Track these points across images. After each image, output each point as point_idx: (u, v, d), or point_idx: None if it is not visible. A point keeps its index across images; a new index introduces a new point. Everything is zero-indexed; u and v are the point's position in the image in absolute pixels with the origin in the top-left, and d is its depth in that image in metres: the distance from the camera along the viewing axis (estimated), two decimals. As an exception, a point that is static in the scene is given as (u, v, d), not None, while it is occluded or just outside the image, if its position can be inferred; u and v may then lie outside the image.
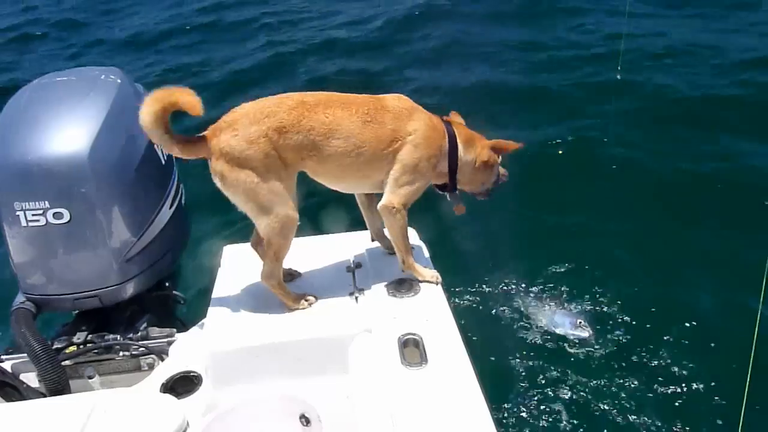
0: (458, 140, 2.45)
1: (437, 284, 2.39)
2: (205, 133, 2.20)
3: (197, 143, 2.18)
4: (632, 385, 3.52)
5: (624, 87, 6.52)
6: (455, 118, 2.57)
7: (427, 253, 2.60)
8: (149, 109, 2.05)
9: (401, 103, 2.39)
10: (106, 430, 1.88)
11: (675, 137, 6.07)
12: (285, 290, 2.36)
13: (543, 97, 7.27)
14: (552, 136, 6.24)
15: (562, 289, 4.30)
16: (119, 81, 2.70)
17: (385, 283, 2.39)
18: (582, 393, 3.50)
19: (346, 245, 2.67)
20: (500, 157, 2.55)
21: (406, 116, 2.34)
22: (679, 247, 4.65)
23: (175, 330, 2.64)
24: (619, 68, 5.76)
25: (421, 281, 2.40)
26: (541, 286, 4.33)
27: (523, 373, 3.63)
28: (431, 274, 2.43)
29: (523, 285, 4.35)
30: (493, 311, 4.14)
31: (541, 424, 3.31)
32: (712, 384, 3.47)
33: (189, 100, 2.07)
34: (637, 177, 5.56)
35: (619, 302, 4.13)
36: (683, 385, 3.50)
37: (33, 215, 2.38)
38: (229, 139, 2.15)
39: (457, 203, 2.58)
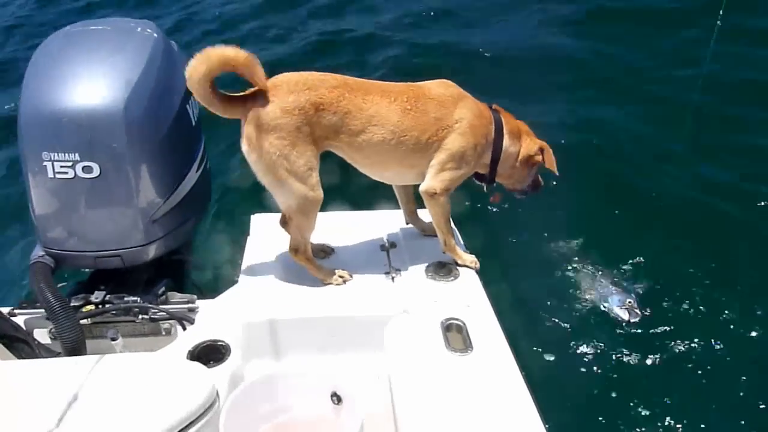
0: (504, 130, 2.40)
1: (475, 269, 2.35)
2: (244, 92, 2.13)
3: (235, 102, 2.12)
4: (675, 378, 3.40)
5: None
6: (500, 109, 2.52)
7: (461, 239, 2.55)
8: (201, 65, 1.97)
9: (447, 90, 2.34)
10: (134, 395, 1.81)
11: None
12: (315, 265, 2.31)
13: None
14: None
15: (620, 267, 4.10)
16: (155, 35, 2.60)
17: (423, 265, 2.35)
18: (623, 376, 3.39)
19: (379, 223, 2.61)
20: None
21: (451, 104, 2.29)
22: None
23: (195, 297, 2.57)
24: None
25: (460, 265, 2.36)
26: (597, 263, 4.14)
27: (562, 350, 3.54)
28: (471, 258, 2.40)
29: (576, 258, 4.19)
30: (537, 283, 4.00)
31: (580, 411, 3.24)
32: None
33: (253, 64, 2.02)
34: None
35: (679, 294, 3.90)
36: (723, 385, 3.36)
37: (61, 167, 2.28)
38: (265, 103, 2.08)
39: (493, 192, 2.54)
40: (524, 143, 2.44)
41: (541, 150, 2.46)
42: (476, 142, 2.31)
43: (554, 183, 4.09)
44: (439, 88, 2.34)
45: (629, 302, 3.74)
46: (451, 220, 2.43)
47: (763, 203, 4.58)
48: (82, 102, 2.30)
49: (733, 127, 5.48)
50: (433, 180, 2.30)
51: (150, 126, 2.42)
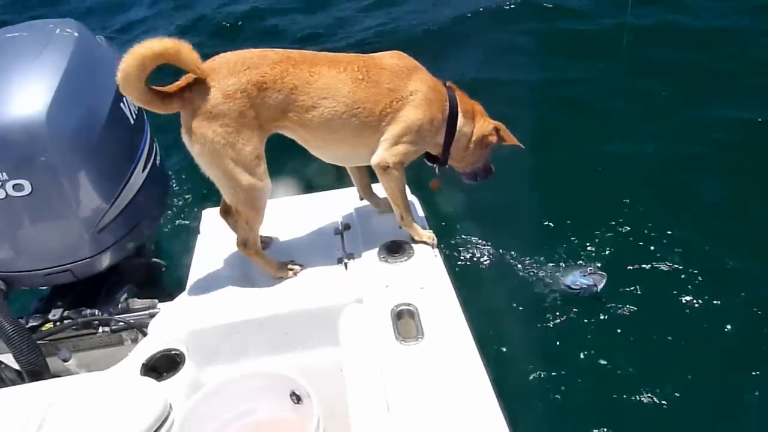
0: (459, 108, 2.25)
1: (433, 246, 2.23)
2: (178, 82, 1.97)
3: (172, 95, 1.95)
4: (645, 346, 3.31)
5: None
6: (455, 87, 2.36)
7: (421, 212, 2.42)
8: (130, 68, 1.81)
9: (400, 60, 2.18)
10: (85, 418, 1.76)
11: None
12: (265, 258, 2.20)
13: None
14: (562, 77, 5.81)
15: (573, 247, 3.94)
16: (76, 34, 2.47)
17: (376, 246, 2.23)
18: (591, 353, 3.30)
19: (334, 204, 2.49)
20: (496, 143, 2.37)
21: (405, 75, 2.14)
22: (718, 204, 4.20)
23: (157, 301, 2.51)
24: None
25: (416, 241, 2.24)
26: (550, 246, 3.97)
27: (528, 336, 3.44)
28: (428, 234, 2.27)
29: (528, 246, 3.99)
30: (495, 270, 3.84)
31: (548, 397, 3.15)
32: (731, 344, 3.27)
33: (182, 52, 1.85)
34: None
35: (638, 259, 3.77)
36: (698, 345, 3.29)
37: (-9, 188, 2.19)
38: (203, 90, 1.94)
39: (437, 177, 2.42)
40: (478, 123, 2.30)
41: (497, 130, 2.34)
42: (432, 116, 2.17)
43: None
44: (392, 58, 2.18)
45: (590, 270, 3.57)
46: (408, 193, 2.30)
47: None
48: (2, 116, 2.18)
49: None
50: (385, 152, 2.16)
51: (79, 132, 2.31)
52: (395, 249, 2.20)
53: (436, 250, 2.22)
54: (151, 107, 1.95)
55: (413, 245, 2.22)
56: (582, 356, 3.29)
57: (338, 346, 2.01)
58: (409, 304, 1.93)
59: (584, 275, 3.57)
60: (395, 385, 1.68)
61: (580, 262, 3.78)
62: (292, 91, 2.01)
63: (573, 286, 3.57)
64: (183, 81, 1.97)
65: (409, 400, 1.64)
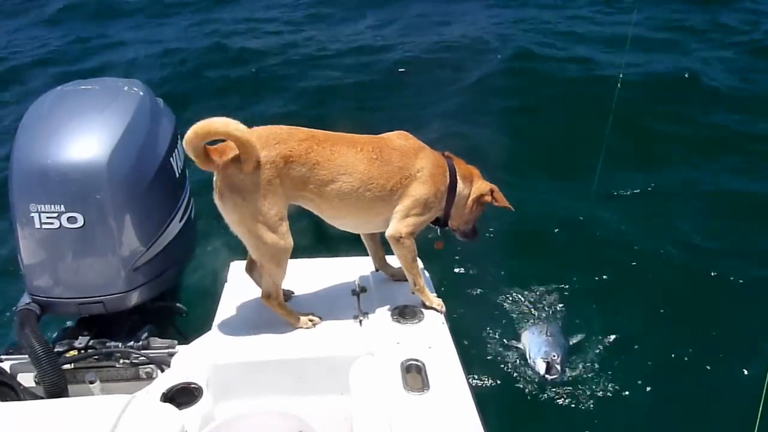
0: (458, 175, 2.55)
1: (441, 312, 2.44)
2: (216, 147, 2.24)
3: (211, 156, 2.22)
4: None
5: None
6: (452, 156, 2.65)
7: (431, 282, 2.64)
8: (197, 138, 2.12)
9: (407, 142, 2.48)
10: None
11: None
12: (286, 310, 2.39)
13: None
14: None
15: (564, 315, 4.00)
16: (141, 93, 2.77)
17: (390, 308, 2.43)
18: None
19: (352, 269, 2.71)
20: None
21: (413, 154, 2.44)
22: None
23: (176, 342, 2.66)
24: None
25: (427, 306, 2.45)
26: (532, 305, 4.09)
27: (510, 399, 3.51)
28: (438, 302, 2.49)
29: (515, 302, 4.13)
30: (486, 329, 3.90)
31: None
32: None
33: (237, 135, 2.13)
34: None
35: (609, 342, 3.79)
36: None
37: (47, 218, 2.41)
38: (238, 158, 2.19)
39: (440, 238, 2.68)
40: (475, 184, 2.59)
41: (491, 191, 2.59)
42: (437, 189, 2.45)
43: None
44: (399, 139, 2.48)
45: (553, 357, 3.47)
46: (419, 261, 2.52)
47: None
48: (67, 156, 2.44)
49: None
50: (398, 224, 2.41)
51: (133, 178, 2.55)
52: (407, 312, 2.40)
53: (443, 317, 2.41)
54: (199, 162, 2.21)
55: (423, 310, 2.42)
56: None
57: (347, 394, 2.16)
58: (417, 360, 2.11)
59: (544, 358, 3.47)
60: (401, 429, 1.83)
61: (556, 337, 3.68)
62: (314, 165, 2.27)
63: (531, 357, 3.55)
64: (222, 146, 2.23)
65: None
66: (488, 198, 2.59)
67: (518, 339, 3.78)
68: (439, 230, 2.65)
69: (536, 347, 3.56)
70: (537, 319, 3.97)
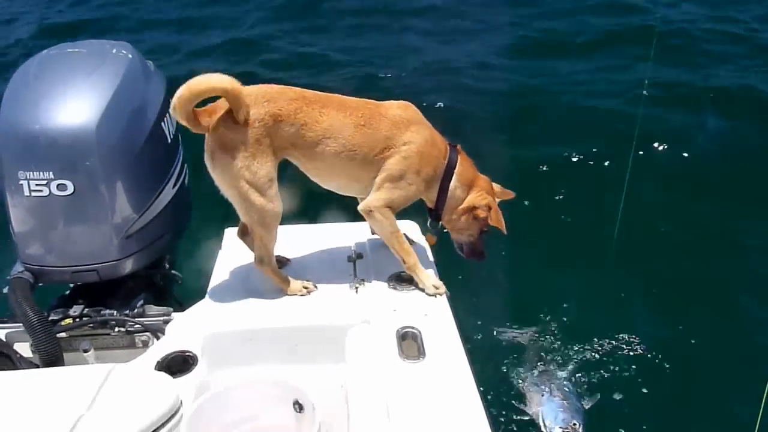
0: (456, 171, 2.40)
1: (436, 296, 2.30)
2: (205, 108, 2.19)
3: (202, 119, 2.17)
4: None
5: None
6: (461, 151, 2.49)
7: (431, 256, 2.56)
8: (182, 100, 2.05)
9: (404, 112, 2.37)
10: (99, 404, 1.87)
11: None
12: (280, 276, 2.36)
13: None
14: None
15: (569, 369, 3.57)
16: (130, 56, 2.69)
17: (386, 274, 2.39)
18: None
19: (348, 235, 2.66)
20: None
21: (404, 125, 2.32)
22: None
23: (171, 309, 2.64)
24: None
25: (420, 288, 2.33)
26: (545, 359, 3.62)
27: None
28: (433, 283, 2.33)
29: (525, 351, 3.69)
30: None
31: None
32: None
33: (230, 89, 2.07)
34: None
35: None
36: None
37: (36, 185, 2.36)
38: (228, 118, 2.15)
39: (432, 233, 2.56)
40: (473, 193, 2.42)
41: (488, 207, 2.41)
42: (419, 168, 2.32)
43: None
44: (398, 109, 2.37)
45: (574, 425, 3.13)
46: (417, 235, 2.45)
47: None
48: (55, 122, 2.38)
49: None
50: (370, 197, 2.33)
51: (123, 144, 2.49)
52: (404, 279, 2.36)
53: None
54: (188, 125, 2.16)
55: None
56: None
57: (342, 363, 2.14)
58: (413, 327, 2.08)
59: (564, 427, 3.13)
60: (397, 397, 1.81)
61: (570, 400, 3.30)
62: (302, 126, 2.22)
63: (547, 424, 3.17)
64: (212, 107, 2.18)
65: (409, 411, 1.77)
66: (483, 213, 2.40)
67: (524, 402, 3.38)
68: (429, 223, 2.52)
69: (552, 414, 3.20)
70: (544, 372, 3.53)
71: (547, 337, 3.80)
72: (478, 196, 2.42)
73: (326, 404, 1.95)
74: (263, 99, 2.18)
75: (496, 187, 2.52)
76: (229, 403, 2.03)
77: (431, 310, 2.19)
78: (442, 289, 2.33)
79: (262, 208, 2.22)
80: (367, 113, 2.29)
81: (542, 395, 3.31)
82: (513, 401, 3.38)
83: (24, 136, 2.37)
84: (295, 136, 2.21)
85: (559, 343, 3.75)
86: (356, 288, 2.34)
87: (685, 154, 5.65)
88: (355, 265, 2.48)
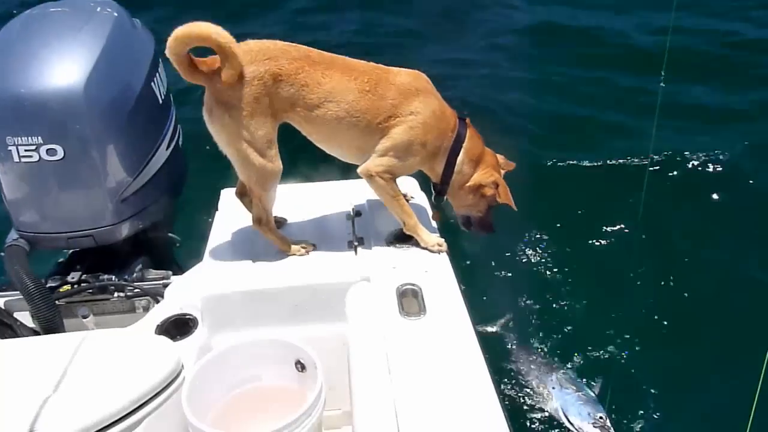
0: (464, 146, 2.30)
1: (438, 253, 2.27)
2: (206, 59, 2.10)
3: (200, 69, 2.09)
4: None
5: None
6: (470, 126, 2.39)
7: (430, 211, 2.51)
8: (174, 44, 1.98)
9: (414, 81, 2.26)
10: (100, 370, 1.87)
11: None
12: (278, 236, 2.32)
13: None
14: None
15: (584, 363, 3.48)
16: (115, 14, 2.60)
17: (386, 232, 2.35)
18: None
19: (346, 193, 2.62)
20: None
21: (412, 95, 2.22)
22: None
23: (170, 273, 2.63)
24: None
25: (422, 247, 2.29)
26: (559, 356, 3.50)
27: None
28: (434, 241, 2.30)
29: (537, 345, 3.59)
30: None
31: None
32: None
33: (221, 41, 1.99)
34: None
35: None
36: None
37: (26, 151, 2.31)
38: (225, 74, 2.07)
39: (436, 208, 2.48)
40: (480, 170, 2.33)
41: (495, 184, 2.33)
42: (425, 140, 2.24)
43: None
44: (407, 77, 2.26)
45: (600, 418, 3.08)
46: (417, 190, 2.39)
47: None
48: (42, 85, 2.31)
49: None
50: (371, 161, 2.25)
51: (113, 106, 2.43)
52: (403, 236, 2.32)
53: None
54: (182, 72, 2.07)
55: None
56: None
57: (344, 321, 2.13)
58: (413, 284, 2.05)
59: (592, 423, 3.07)
60: (398, 354, 1.80)
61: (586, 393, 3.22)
62: (303, 87, 2.13)
63: (573, 422, 3.10)
64: (211, 59, 2.09)
65: (410, 368, 1.76)
66: (490, 191, 2.33)
67: (536, 398, 3.29)
68: (432, 198, 2.44)
69: (573, 408, 3.14)
70: (546, 365, 3.46)
71: (543, 330, 3.73)
72: (485, 173, 2.34)
73: (328, 363, 1.94)
74: (264, 56, 2.10)
75: (500, 158, 2.44)
76: (230, 364, 2.03)
77: (431, 267, 2.16)
78: (445, 246, 2.30)
79: (261, 167, 2.16)
80: (373, 78, 2.20)
81: (553, 388, 3.27)
82: (524, 398, 3.31)
83: (10, 100, 2.30)
84: (295, 97, 2.13)
85: (556, 335, 3.69)
86: (355, 246, 2.31)
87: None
88: (353, 223, 2.44)
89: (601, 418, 3.06)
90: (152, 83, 2.64)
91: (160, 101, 2.71)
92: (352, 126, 2.19)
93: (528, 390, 3.33)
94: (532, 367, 3.43)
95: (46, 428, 1.60)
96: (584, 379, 3.35)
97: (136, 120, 2.53)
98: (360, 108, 2.17)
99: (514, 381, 3.39)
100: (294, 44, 2.21)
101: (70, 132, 2.33)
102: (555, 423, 3.17)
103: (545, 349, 3.58)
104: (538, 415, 3.19)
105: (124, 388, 1.76)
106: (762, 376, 1.94)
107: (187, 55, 2.03)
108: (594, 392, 3.25)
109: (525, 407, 3.27)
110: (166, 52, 2.00)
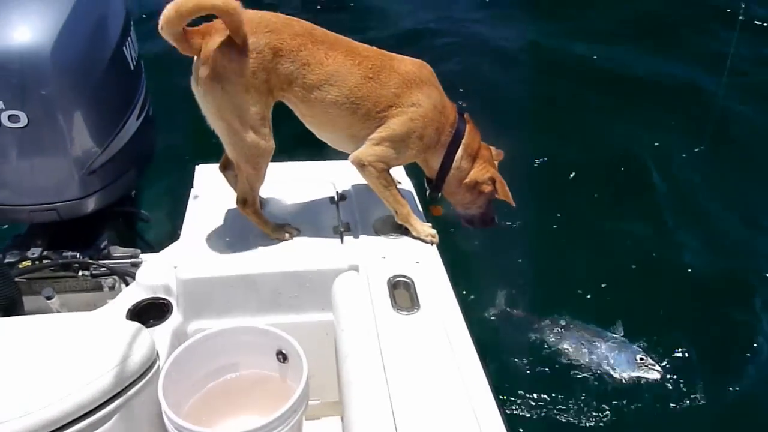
0: (463, 141, 2.23)
1: (431, 243, 2.20)
2: (198, 28, 1.94)
3: (192, 39, 1.93)
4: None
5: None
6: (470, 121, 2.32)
7: (418, 200, 2.43)
8: (170, 21, 1.81)
9: (418, 71, 2.16)
10: (68, 358, 1.74)
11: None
12: (262, 219, 2.21)
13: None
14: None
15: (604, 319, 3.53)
16: (87, -28, 2.41)
17: (372, 218, 2.26)
18: None
19: (328, 174, 2.50)
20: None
21: (415, 85, 2.12)
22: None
23: (139, 251, 2.49)
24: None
25: (414, 237, 2.21)
26: (573, 315, 3.54)
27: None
28: (427, 231, 2.22)
29: (554, 313, 3.59)
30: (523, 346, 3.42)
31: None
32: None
33: (222, 6, 1.83)
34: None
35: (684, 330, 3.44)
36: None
37: (-15, 116, 2.13)
38: (223, 43, 1.92)
39: (435, 203, 2.41)
40: (477, 166, 2.27)
41: (492, 180, 2.28)
42: (424, 132, 2.16)
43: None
44: (412, 66, 2.17)
45: (641, 359, 3.19)
46: (396, 188, 2.30)
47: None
48: (4, 44, 2.13)
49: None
50: (365, 149, 2.15)
51: (82, 70, 2.28)
52: (391, 224, 2.23)
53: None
54: (177, 46, 1.92)
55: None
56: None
57: (328, 311, 2.04)
58: (405, 276, 1.98)
59: (634, 365, 3.19)
60: (392, 351, 1.73)
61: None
62: (303, 65, 2.01)
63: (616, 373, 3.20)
64: (205, 27, 1.95)
65: (404, 365, 1.69)
66: (488, 188, 2.27)
67: (563, 355, 3.35)
68: (428, 194, 2.36)
69: (612, 356, 3.24)
70: (565, 326, 3.50)
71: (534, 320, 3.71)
72: (481, 169, 2.28)
73: (312, 353, 1.86)
74: (265, 29, 1.96)
75: (493, 150, 2.37)
76: (208, 352, 1.93)
77: (422, 258, 2.09)
78: (437, 237, 2.23)
79: (253, 145, 2.03)
80: (377, 65, 2.09)
81: (582, 344, 3.32)
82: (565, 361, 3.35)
83: (-31, 61, 2.12)
84: (294, 75, 2.00)
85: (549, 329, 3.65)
86: (341, 232, 2.21)
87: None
88: (338, 208, 2.34)
89: (641, 358, 3.18)
90: (124, 47, 2.48)
91: (132, 67, 2.55)
92: (351, 112, 2.08)
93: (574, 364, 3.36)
94: (555, 332, 3.49)
95: (5, 421, 1.47)
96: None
97: (107, 86, 2.38)
98: (361, 94, 2.06)
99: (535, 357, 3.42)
100: (297, 18, 2.07)
101: (34, 96, 2.16)
102: (602, 382, 3.21)
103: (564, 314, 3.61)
104: (538, 414, 3.18)
105: (94, 378, 1.64)
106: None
107: (183, 29, 1.88)
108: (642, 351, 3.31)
109: (569, 376, 3.31)
110: (164, 28, 1.83)
